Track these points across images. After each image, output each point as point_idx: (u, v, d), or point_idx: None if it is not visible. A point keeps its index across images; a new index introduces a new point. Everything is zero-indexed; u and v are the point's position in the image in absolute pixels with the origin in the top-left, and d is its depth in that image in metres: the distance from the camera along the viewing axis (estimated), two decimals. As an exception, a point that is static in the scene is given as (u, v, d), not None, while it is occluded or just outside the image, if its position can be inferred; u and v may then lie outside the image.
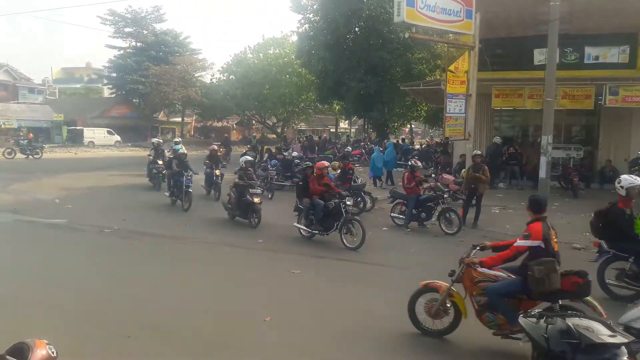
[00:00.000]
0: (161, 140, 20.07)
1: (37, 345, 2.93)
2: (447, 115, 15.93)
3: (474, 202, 12.23)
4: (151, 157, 18.00)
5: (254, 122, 56.17)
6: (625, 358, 1.96)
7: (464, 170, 13.88)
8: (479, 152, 12.98)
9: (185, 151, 15.77)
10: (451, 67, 16.89)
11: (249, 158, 13.38)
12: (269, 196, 16.21)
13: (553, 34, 15.01)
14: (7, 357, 2.80)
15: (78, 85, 70.93)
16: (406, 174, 12.09)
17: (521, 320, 2.19)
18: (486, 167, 12.44)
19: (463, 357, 5.49)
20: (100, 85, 64.99)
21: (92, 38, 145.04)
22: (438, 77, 27.49)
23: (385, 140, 27.86)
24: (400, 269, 8.64)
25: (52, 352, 3.00)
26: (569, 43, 17.04)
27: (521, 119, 21.26)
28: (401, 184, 12.54)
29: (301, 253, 9.66)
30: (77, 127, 47.58)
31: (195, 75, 51.84)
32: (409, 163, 12.67)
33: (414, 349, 5.55)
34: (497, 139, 18.46)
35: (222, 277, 8.07)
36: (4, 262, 8.43)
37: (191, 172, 13.92)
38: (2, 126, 44.80)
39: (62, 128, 48.25)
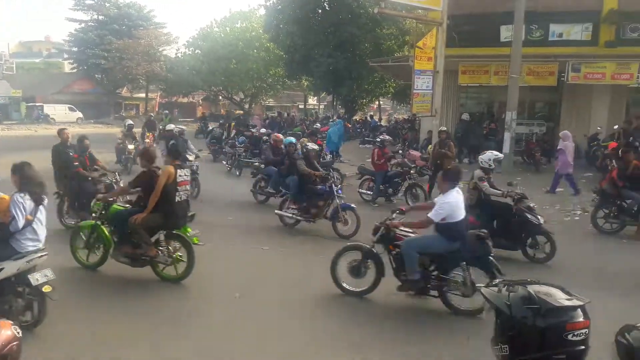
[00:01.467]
0: (132, 123, 17.89)
1: (2, 325, 2.89)
2: (414, 91, 16.05)
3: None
4: (120, 142, 16.19)
5: (220, 97, 55.28)
6: (581, 319, 2.10)
7: (430, 146, 14.06)
8: (444, 129, 13.12)
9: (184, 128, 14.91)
10: (419, 44, 16.93)
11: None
12: (237, 173, 16.08)
13: (519, 11, 15.20)
14: None
15: (37, 60, 68.26)
16: (376, 150, 12.09)
17: (483, 290, 2.31)
18: (451, 143, 12.60)
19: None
20: (60, 60, 62.70)
21: (51, 10, 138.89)
22: (407, 53, 27.49)
23: (335, 117, 27.91)
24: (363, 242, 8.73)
25: (18, 332, 2.95)
26: (535, 20, 17.24)
27: (487, 95, 21.58)
28: (370, 159, 12.59)
29: (270, 230, 9.66)
30: (37, 104, 45.92)
31: (160, 49, 50.53)
32: (379, 139, 12.66)
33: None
34: (465, 116, 18.70)
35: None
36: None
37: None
38: (-43, 102, 42.91)
39: (20, 104, 46.51)
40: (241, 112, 48.57)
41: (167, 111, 24.35)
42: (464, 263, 5.56)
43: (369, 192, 12.06)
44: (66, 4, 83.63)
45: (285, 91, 55.90)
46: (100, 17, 52.06)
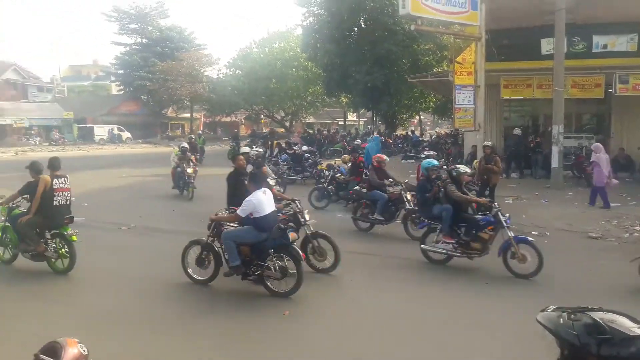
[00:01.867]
0: (187, 146, 16.66)
1: (69, 344, 3.06)
2: (456, 106, 15.99)
3: (487, 192, 12.30)
4: (177, 166, 15.37)
5: (262, 116, 56.27)
6: None
7: (475, 161, 13.96)
8: (489, 144, 13.04)
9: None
10: (458, 59, 16.90)
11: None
12: (281, 190, 16.36)
13: (560, 24, 15.02)
14: (41, 356, 2.94)
15: (86, 83, 71.46)
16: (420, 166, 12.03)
17: (542, 317, 2.15)
18: (498, 158, 12.50)
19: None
20: (108, 82, 65.45)
21: (98, 35, 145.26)
22: (445, 68, 27.44)
23: (375, 133, 27.87)
24: (404, 259, 8.77)
25: (84, 350, 3.15)
26: (576, 32, 17.02)
27: (531, 108, 21.25)
28: (412, 175, 12.55)
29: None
30: (87, 125, 48.00)
31: (202, 70, 52.03)
32: (424, 154, 12.52)
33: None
34: (517, 131, 18.48)
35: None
36: (28, 261, 8.61)
37: None
38: (14, 125, 45.29)
39: (72, 126, 48.71)
40: (282, 129, 49.29)
41: (200, 132, 24.64)
42: (272, 250, 6.54)
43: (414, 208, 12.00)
44: (112, 29, 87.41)
45: (325, 108, 56.43)
46: (144, 41, 54.18)
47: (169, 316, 6.18)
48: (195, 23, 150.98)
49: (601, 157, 12.42)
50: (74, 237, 7.58)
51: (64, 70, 74.69)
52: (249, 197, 6.68)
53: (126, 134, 47.42)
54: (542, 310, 2.19)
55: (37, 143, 43.03)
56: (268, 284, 6.70)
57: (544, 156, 18.19)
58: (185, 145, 16.79)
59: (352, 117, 63.46)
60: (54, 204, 7.53)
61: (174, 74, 48.45)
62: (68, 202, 7.79)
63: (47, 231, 7.63)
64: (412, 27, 16.51)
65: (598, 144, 13.20)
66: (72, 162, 27.01)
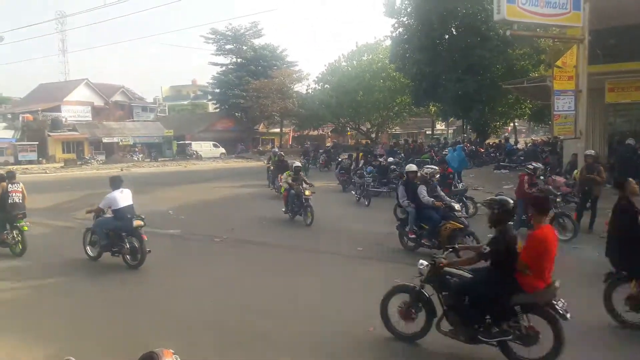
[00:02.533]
0: (300, 165, 15.11)
1: (165, 355, 3.15)
2: (555, 113, 14.99)
3: (588, 205, 11.36)
4: (291, 188, 13.68)
5: (348, 128, 56.60)
6: None
7: (576, 171, 12.97)
8: (591, 152, 12.03)
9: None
10: (558, 62, 15.88)
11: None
12: (366, 203, 16.23)
13: (675, 18, 13.65)
14: None
15: (185, 102, 76.15)
16: (525, 177, 11.16)
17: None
18: (601, 168, 11.52)
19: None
20: (205, 101, 69.25)
21: (197, 57, 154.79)
22: (543, 72, 25.95)
23: (464, 141, 26.79)
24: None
25: (179, 361, 3.22)
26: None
27: (638, 113, 19.47)
28: (507, 186, 11.84)
29: (401, 261, 9.55)
30: (186, 142, 50.98)
31: (292, 86, 53.42)
32: (531, 165, 11.69)
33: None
34: (631, 140, 16.97)
35: (329, 285, 8.21)
36: (126, 271, 9.17)
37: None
38: (120, 143, 49.24)
39: (172, 143, 52.02)
40: (367, 140, 49.18)
41: (275, 149, 23.45)
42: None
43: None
44: (209, 49, 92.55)
45: (412, 118, 55.60)
46: (239, 60, 56.71)
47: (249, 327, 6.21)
48: (287, 40, 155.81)
49: None
50: (25, 227, 9.99)
51: (166, 91, 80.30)
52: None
53: (221, 149, 49.68)
54: None
55: (140, 159, 46.36)
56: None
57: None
58: (299, 164, 14.72)
59: (440, 126, 61.95)
60: (10, 202, 9.94)
61: (266, 91, 50.21)
62: (20, 201, 10.10)
63: (7, 224, 10.02)
64: (508, 33, 15.83)
65: None
66: (171, 177, 28.78)
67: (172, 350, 3.25)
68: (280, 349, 5.64)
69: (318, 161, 30.26)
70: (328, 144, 52.33)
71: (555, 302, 4.85)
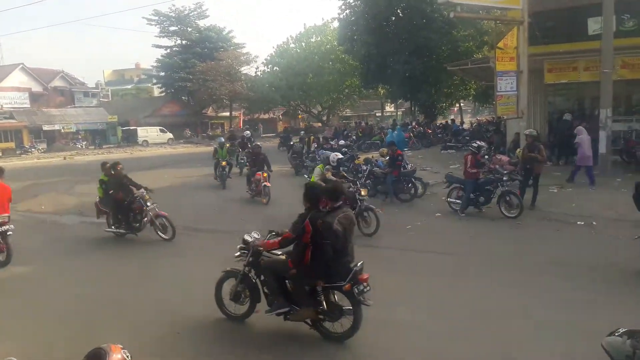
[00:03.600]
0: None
1: (113, 350, 3.09)
2: (498, 93, 15.49)
3: (531, 182, 11.86)
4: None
5: (299, 111, 56.42)
6: None
7: (518, 150, 13.47)
8: (532, 132, 12.50)
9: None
10: (500, 44, 16.37)
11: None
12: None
13: (608, 1, 14.26)
14: None
15: (129, 87, 73.49)
16: (469, 156, 11.52)
17: (605, 340, 2.00)
18: (542, 146, 12.02)
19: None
20: (149, 85, 66.99)
21: (139, 39, 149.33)
22: (486, 54, 26.68)
23: (389, 124, 27.40)
24: (450, 255, 8.55)
25: (127, 356, 3.16)
26: (626, 9, 16.09)
27: (577, 92, 20.32)
28: (454, 166, 12.18)
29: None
30: (131, 127, 49.37)
31: (240, 69, 52.54)
32: (475, 144, 12.04)
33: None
34: (568, 116, 17.71)
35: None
36: (72, 264, 8.88)
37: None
38: (62, 130, 47.13)
39: (116, 129, 50.25)
40: (319, 124, 49.15)
41: (222, 139, 22.67)
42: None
43: (458, 201, 11.67)
44: (152, 32, 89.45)
45: (362, 100, 56.01)
46: (184, 42, 55.07)
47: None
48: (233, 22, 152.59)
49: (583, 138, 13.53)
50: None
51: (108, 75, 77.19)
52: None
53: (168, 135, 48.42)
54: (610, 334, 2.02)
55: (84, 147, 44.63)
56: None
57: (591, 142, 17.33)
58: (340, 155, 12.86)
59: (390, 108, 62.73)
60: None
61: (213, 73, 49.15)
62: None
63: None
64: (452, 15, 16.08)
65: (580, 127, 14.20)
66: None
67: (120, 346, 3.19)
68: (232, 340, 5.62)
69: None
70: (280, 129, 51.99)
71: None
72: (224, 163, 17.22)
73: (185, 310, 6.36)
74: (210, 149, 22.63)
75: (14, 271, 8.53)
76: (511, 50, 16.08)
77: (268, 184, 14.05)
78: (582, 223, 10.21)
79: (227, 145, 19.09)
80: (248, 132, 17.74)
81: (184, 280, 7.61)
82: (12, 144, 43.11)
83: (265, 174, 14.22)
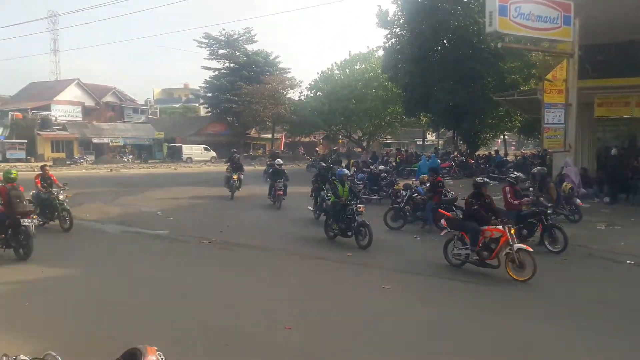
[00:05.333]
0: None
1: (149, 352, 3.12)
2: (545, 126, 15.22)
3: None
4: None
5: (340, 136, 56.69)
6: None
7: (565, 183, 13.10)
8: (539, 169, 12.53)
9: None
10: (548, 76, 16.17)
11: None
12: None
13: (664, 36, 13.90)
14: None
15: (177, 105, 75.83)
16: (507, 188, 11.18)
17: None
18: (552, 185, 11.86)
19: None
20: (196, 104, 68.99)
21: (189, 61, 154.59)
22: (533, 86, 26.26)
23: (431, 152, 27.01)
24: (490, 286, 8.30)
25: (162, 358, 3.20)
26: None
27: (628, 128, 19.72)
28: (502, 198, 11.73)
29: (389, 268, 9.57)
30: (176, 144, 50.76)
31: (285, 93, 53.46)
32: (513, 175, 11.75)
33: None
34: (614, 151, 17.20)
35: (315, 289, 8.19)
36: (114, 271, 9.09)
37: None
38: (111, 144, 48.90)
39: (162, 145, 51.75)
40: (359, 149, 49.16)
41: (234, 149, 25.67)
42: None
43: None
44: (202, 54, 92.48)
45: (403, 128, 55.84)
46: (232, 65, 56.65)
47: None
48: (280, 47, 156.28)
49: (570, 169, 14.81)
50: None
51: (157, 93, 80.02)
52: None
53: (211, 153, 49.46)
54: None
55: (130, 161, 46.08)
56: None
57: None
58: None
59: (431, 136, 62.25)
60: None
61: (258, 96, 50.20)
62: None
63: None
64: (499, 45, 15.99)
65: (567, 159, 15.64)
66: (160, 179, 28.62)
67: (155, 348, 3.23)
68: (267, 352, 5.60)
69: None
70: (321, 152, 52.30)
71: None
72: (235, 177, 18.92)
73: (230, 323, 6.41)
74: (252, 167, 23.10)
75: (55, 272, 8.81)
76: (560, 82, 15.83)
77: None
78: (632, 262, 9.75)
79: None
80: (279, 160, 18.89)
81: (233, 295, 7.71)
82: (63, 154, 44.94)
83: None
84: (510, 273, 8.40)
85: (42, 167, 13.69)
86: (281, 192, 16.59)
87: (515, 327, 6.41)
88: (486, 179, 10.13)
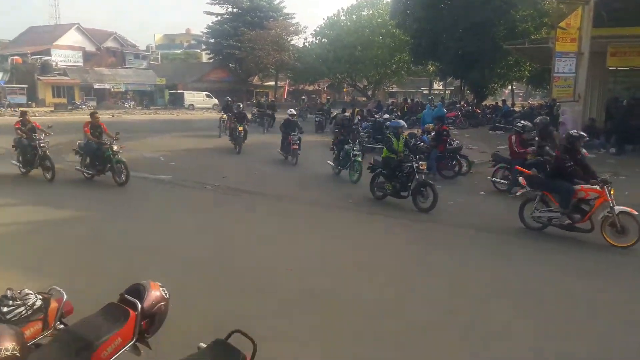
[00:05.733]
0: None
1: (152, 287, 3.15)
2: (555, 75, 14.84)
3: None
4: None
5: (344, 84, 55.86)
6: None
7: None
8: (542, 119, 12.34)
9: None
10: (562, 24, 15.57)
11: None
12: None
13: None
14: (126, 296, 3.04)
15: (178, 51, 74.32)
16: (513, 136, 11.12)
17: None
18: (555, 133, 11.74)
19: None
20: (198, 50, 67.68)
21: (191, 5, 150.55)
22: (544, 35, 25.51)
23: (437, 102, 26.49)
24: (490, 232, 8.32)
25: (165, 294, 3.21)
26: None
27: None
28: (501, 146, 11.74)
29: (390, 215, 9.59)
30: (178, 91, 50.14)
31: (289, 39, 52.24)
32: (519, 124, 11.56)
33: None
34: (625, 102, 16.88)
35: (315, 233, 8.22)
36: (122, 215, 9.13)
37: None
38: (112, 90, 48.34)
39: (164, 91, 51.11)
40: (364, 98, 48.56)
41: (228, 98, 26.48)
42: None
43: (503, 181, 11.31)
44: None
45: (410, 77, 54.95)
46: (235, 10, 55.06)
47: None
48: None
49: (567, 118, 14.70)
50: None
51: (159, 39, 78.32)
52: None
53: (213, 100, 48.87)
54: None
55: (131, 107, 45.63)
56: None
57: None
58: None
59: (438, 86, 61.33)
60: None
61: (261, 42, 49.08)
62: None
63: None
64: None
65: (564, 108, 15.75)
66: (162, 125, 28.42)
67: (159, 283, 3.24)
68: (266, 292, 5.64)
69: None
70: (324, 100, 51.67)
71: None
72: (240, 128, 17.66)
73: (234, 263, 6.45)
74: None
75: (59, 213, 8.85)
76: (573, 30, 15.28)
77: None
78: (638, 213, 9.66)
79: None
80: (292, 110, 17.81)
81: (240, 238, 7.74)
82: (64, 100, 44.50)
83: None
84: (608, 238, 7.56)
85: (92, 114, 12.27)
86: (296, 147, 15.25)
87: (513, 270, 6.45)
88: (582, 133, 8.85)
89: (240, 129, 17.65)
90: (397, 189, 10.05)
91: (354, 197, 10.93)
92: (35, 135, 11.79)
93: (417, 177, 9.74)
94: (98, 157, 11.52)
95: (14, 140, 12.16)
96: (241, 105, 19.74)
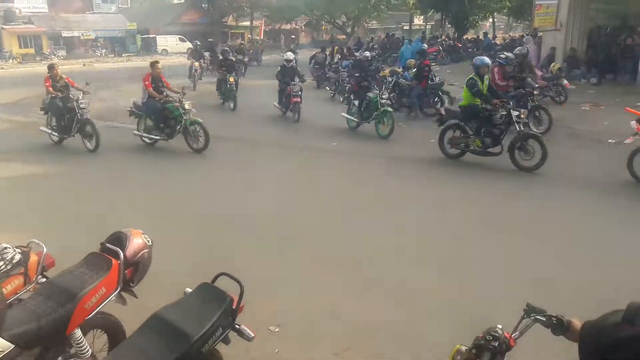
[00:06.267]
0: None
1: (133, 234, 3.10)
2: (537, 3, 14.56)
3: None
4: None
5: (322, 22, 54.26)
6: None
7: (553, 64, 12.79)
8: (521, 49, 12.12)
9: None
10: (543, -53, 15.15)
11: None
12: (341, 99, 15.86)
13: None
14: (107, 244, 2.98)
15: (148, -8, 70.98)
16: (496, 69, 10.85)
17: None
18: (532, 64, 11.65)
19: None
20: (168, -10, 64.63)
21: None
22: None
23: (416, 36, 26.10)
24: (474, 167, 8.37)
25: (148, 241, 3.16)
26: None
27: (623, 6, 18.95)
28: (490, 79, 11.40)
29: (379, 155, 9.58)
30: (150, 36, 48.27)
31: (263, -26, 50.11)
32: (502, 55, 11.28)
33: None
34: (608, 29, 16.71)
35: (301, 177, 8.19)
36: (104, 165, 8.96)
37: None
38: (82, 37, 46.36)
39: (135, 37, 49.14)
40: (343, 36, 47.44)
41: (197, 42, 24.56)
42: None
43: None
44: None
45: (390, 12, 53.50)
46: (205, -56, 52.38)
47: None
48: None
49: (530, 47, 14.58)
50: None
51: (127, -21, 74.47)
52: None
53: (187, 44, 47.23)
54: None
55: (103, 55, 44.03)
56: None
57: (634, 60, 16.35)
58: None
59: (419, 20, 59.96)
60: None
61: (234, -21, 47.03)
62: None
63: None
64: None
65: (528, 37, 16.11)
66: (135, 72, 27.56)
67: (141, 230, 3.18)
68: (265, 237, 5.66)
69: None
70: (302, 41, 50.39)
71: None
72: (231, 79, 15.06)
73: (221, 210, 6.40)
74: (232, 58, 21.95)
75: (35, 168, 8.67)
76: (555, -45, 14.90)
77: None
78: (614, 142, 9.79)
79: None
80: (290, 53, 15.21)
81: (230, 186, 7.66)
82: (31, 50, 42.63)
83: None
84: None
85: (153, 64, 10.36)
86: (298, 99, 12.64)
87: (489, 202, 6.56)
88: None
89: (232, 79, 15.01)
90: (486, 144, 8.46)
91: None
92: (71, 95, 10.02)
93: (518, 128, 8.11)
94: (164, 118, 9.86)
95: (43, 102, 10.41)
96: (227, 49, 17.77)
